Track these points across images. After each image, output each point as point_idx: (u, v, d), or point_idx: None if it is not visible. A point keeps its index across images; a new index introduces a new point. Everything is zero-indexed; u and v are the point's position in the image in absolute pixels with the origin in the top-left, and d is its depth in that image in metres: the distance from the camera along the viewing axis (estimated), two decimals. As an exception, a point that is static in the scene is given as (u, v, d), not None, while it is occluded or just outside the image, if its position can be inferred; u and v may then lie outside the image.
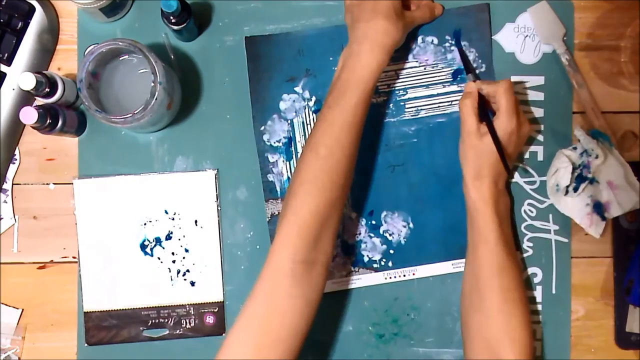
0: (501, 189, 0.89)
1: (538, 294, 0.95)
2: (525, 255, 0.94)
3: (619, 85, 0.96)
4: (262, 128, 0.94)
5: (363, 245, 0.94)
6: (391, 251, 0.94)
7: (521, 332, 0.85)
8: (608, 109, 0.96)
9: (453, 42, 0.94)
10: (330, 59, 0.94)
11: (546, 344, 0.94)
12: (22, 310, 0.93)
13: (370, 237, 0.94)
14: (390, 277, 0.94)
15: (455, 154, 0.93)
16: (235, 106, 0.94)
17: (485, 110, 0.88)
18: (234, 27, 0.94)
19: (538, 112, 0.95)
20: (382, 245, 0.94)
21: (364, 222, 0.94)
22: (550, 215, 0.95)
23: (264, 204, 0.93)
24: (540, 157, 0.95)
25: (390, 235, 0.94)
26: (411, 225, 0.94)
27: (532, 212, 0.95)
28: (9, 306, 0.93)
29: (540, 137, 0.95)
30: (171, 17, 0.86)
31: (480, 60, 0.94)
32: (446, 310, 0.94)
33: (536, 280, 0.95)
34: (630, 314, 0.95)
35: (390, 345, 0.94)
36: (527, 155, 0.95)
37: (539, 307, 0.95)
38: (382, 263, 0.94)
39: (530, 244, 0.95)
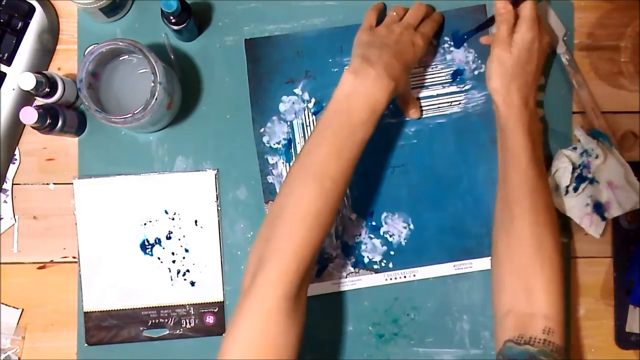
0: (532, 109, 0.87)
1: (538, 294, 0.95)
2: (525, 255, 0.94)
3: (619, 85, 0.96)
4: (262, 130, 0.94)
5: (363, 247, 0.94)
6: (391, 252, 0.94)
7: (552, 255, 0.82)
8: (608, 109, 0.96)
9: (450, 43, 0.94)
10: (330, 60, 0.94)
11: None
12: (22, 310, 0.93)
13: (371, 238, 0.94)
14: (391, 279, 0.94)
15: (455, 155, 0.93)
16: (235, 106, 0.94)
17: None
18: (234, 27, 0.94)
19: (538, 112, 0.95)
20: (382, 246, 0.94)
21: (364, 223, 0.94)
22: (550, 215, 0.95)
23: (263, 205, 0.93)
24: (540, 157, 0.95)
25: (390, 236, 0.94)
26: (411, 226, 0.94)
27: (532, 212, 0.95)
28: (9, 306, 0.93)
29: (540, 137, 0.95)
30: (171, 17, 0.86)
31: (479, 61, 0.94)
32: (446, 310, 0.94)
33: (536, 280, 0.95)
34: (630, 314, 0.95)
35: (390, 345, 0.94)
36: (527, 155, 0.95)
37: (539, 307, 0.95)
38: (383, 264, 0.94)
39: (530, 244, 0.95)
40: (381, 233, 0.94)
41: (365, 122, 0.81)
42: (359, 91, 0.81)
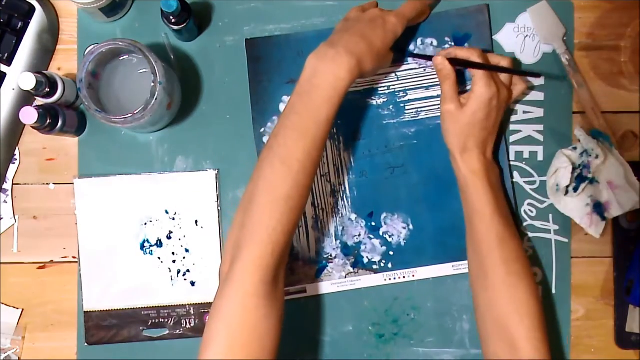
0: (489, 159, 0.89)
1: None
2: (525, 255, 0.95)
3: (619, 85, 0.96)
4: (262, 130, 0.94)
5: (363, 247, 0.94)
6: (391, 253, 0.94)
7: (528, 303, 0.83)
8: (608, 109, 0.96)
9: (451, 44, 0.94)
10: (330, 60, 0.94)
11: (546, 344, 0.95)
12: (22, 310, 0.93)
13: (370, 238, 0.94)
14: (390, 279, 0.94)
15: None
16: (235, 106, 0.94)
17: (465, 62, 0.88)
18: (234, 27, 0.94)
19: (538, 112, 0.95)
20: (381, 246, 0.94)
21: (363, 223, 0.94)
22: (550, 215, 0.95)
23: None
24: (540, 157, 0.95)
25: (390, 236, 0.94)
26: (411, 226, 0.94)
27: (532, 212, 0.95)
28: (9, 306, 0.93)
29: (540, 137, 0.95)
30: (171, 17, 0.86)
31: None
32: (446, 310, 0.94)
33: (536, 280, 0.95)
34: (630, 314, 0.95)
35: (390, 345, 0.94)
36: (527, 155, 0.95)
37: (539, 307, 0.95)
38: (382, 264, 0.94)
39: (531, 244, 0.95)
40: (380, 233, 0.94)
41: (327, 100, 0.80)
42: (320, 71, 0.81)
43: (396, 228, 0.94)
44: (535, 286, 0.85)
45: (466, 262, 0.93)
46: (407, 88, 0.94)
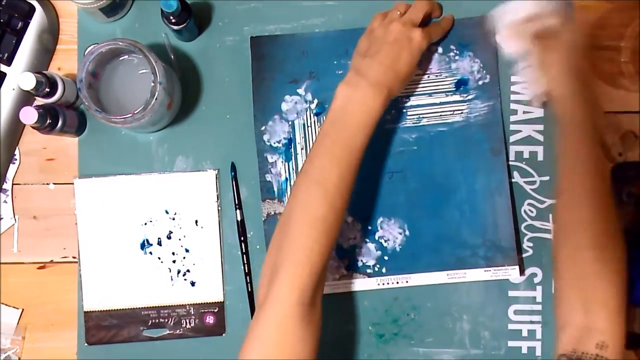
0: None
1: (538, 294, 0.95)
2: (525, 255, 0.94)
3: (619, 85, 0.96)
4: (263, 128, 0.94)
5: (357, 250, 0.93)
6: (385, 257, 0.93)
7: (613, 265, 0.78)
8: (608, 109, 0.96)
9: (457, 53, 0.94)
10: (335, 62, 0.93)
11: (546, 344, 0.94)
12: (22, 310, 0.93)
13: (365, 242, 0.93)
14: (383, 284, 0.93)
15: (455, 164, 0.93)
16: (235, 106, 0.94)
17: None
18: (234, 27, 0.94)
19: (538, 112, 0.95)
20: (376, 251, 0.93)
21: (359, 226, 0.93)
22: (551, 215, 0.95)
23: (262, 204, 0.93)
24: (540, 157, 0.95)
25: (385, 241, 0.93)
26: (407, 232, 0.93)
27: (532, 212, 0.95)
28: (9, 306, 0.93)
29: (540, 137, 0.95)
30: (171, 17, 0.86)
31: (484, 71, 0.94)
32: (446, 310, 0.94)
33: (536, 280, 0.95)
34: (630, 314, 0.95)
35: (390, 345, 0.94)
36: (527, 155, 0.95)
37: (539, 307, 0.95)
38: (376, 269, 0.93)
39: (530, 244, 0.95)
40: (376, 238, 0.93)
41: (361, 128, 0.82)
42: (353, 101, 0.82)
43: (392, 233, 0.93)
44: (624, 251, 0.79)
45: (461, 271, 0.93)
46: (410, 94, 0.94)
